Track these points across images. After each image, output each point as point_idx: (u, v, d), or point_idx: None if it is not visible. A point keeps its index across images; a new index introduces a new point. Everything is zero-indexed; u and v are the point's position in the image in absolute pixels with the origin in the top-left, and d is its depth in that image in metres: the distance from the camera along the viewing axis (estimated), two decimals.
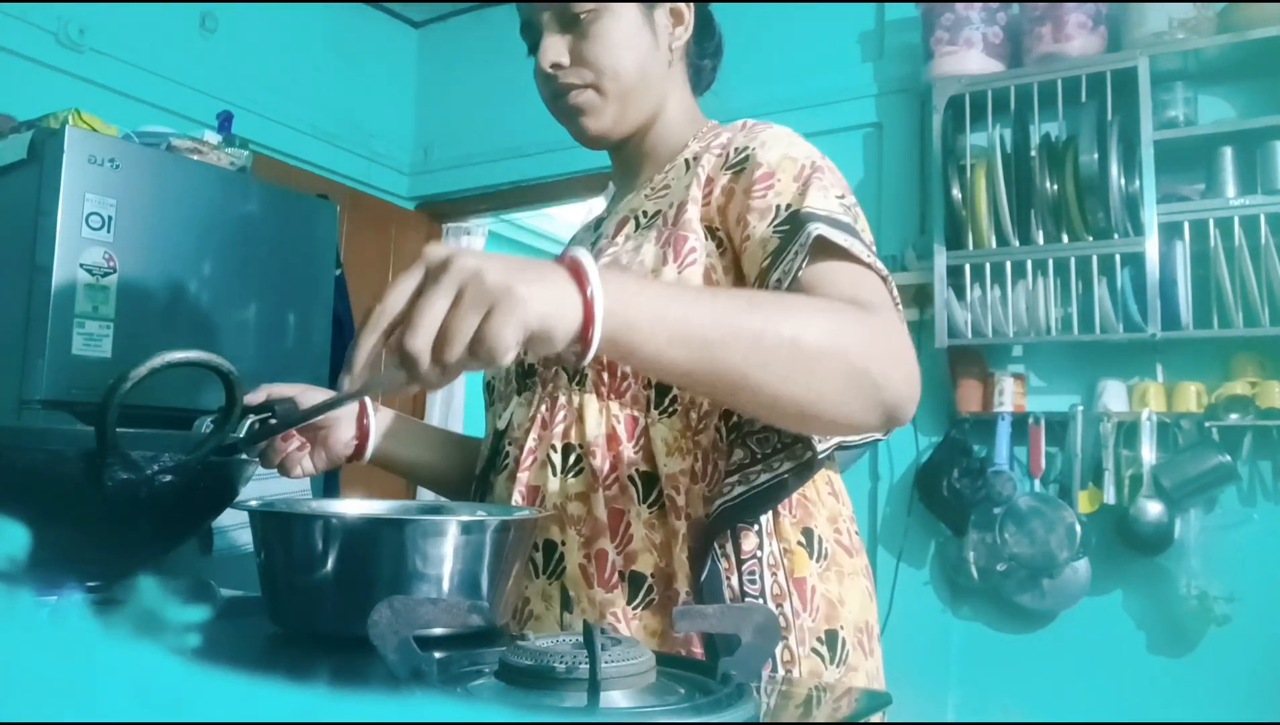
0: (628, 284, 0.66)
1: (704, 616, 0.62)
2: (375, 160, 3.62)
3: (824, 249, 0.80)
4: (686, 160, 0.98)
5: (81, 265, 1.97)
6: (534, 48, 0.98)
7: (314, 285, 2.53)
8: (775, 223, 0.84)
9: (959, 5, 2.48)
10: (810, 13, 2.91)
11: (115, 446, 0.70)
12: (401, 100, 3.78)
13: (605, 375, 0.88)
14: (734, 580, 0.86)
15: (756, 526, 0.87)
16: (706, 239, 0.90)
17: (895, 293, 0.84)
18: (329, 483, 2.44)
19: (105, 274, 2.02)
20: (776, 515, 0.88)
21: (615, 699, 0.51)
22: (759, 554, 0.87)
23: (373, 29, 3.67)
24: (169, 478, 0.73)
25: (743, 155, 0.90)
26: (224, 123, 2.52)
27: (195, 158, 2.27)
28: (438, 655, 0.56)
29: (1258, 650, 2.20)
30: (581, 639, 0.53)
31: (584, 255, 0.63)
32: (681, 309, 0.67)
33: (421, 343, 0.58)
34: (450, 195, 3.69)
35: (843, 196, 0.86)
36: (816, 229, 0.79)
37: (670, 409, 0.88)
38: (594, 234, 1.06)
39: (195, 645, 0.26)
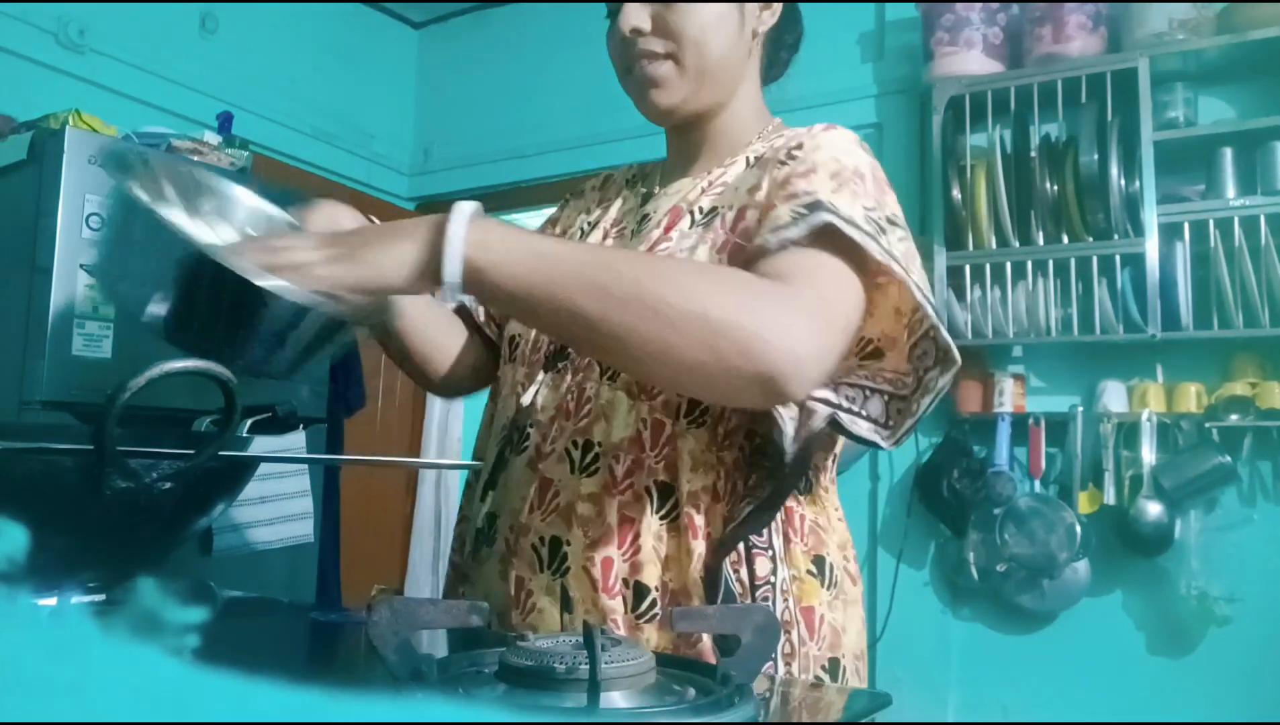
0: (501, 226, 0.74)
1: (704, 617, 0.62)
2: (375, 161, 3.62)
3: (829, 235, 0.78)
4: (748, 159, 0.95)
5: (82, 266, 1.97)
6: (613, 14, 0.94)
7: None
8: (795, 205, 0.80)
9: (959, 6, 2.48)
10: (810, 13, 2.88)
11: (114, 457, 0.70)
12: (401, 101, 3.78)
13: None
14: (748, 604, 0.85)
15: (770, 552, 0.86)
16: None
17: (924, 284, 0.81)
18: (332, 441, 2.36)
19: None
20: (788, 541, 0.88)
21: (615, 699, 0.52)
22: (773, 580, 0.86)
23: (372, 29, 3.67)
24: (168, 485, 0.73)
25: (795, 154, 0.87)
26: (224, 123, 2.52)
27: (195, 158, 2.26)
28: (438, 655, 0.56)
29: (1258, 650, 2.20)
30: (581, 639, 0.53)
31: (463, 204, 0.72)
32: (548, 246, 0.74)
33: (294, 253, 0.72)
34: (450, 196, 3.69)
35: (872, 209, 0.81)
36: (828, 217, 0.77)
37: (700, 419, 0.87)
38: (640, 209, 1.01)
39: (195, 645, 0.26)
